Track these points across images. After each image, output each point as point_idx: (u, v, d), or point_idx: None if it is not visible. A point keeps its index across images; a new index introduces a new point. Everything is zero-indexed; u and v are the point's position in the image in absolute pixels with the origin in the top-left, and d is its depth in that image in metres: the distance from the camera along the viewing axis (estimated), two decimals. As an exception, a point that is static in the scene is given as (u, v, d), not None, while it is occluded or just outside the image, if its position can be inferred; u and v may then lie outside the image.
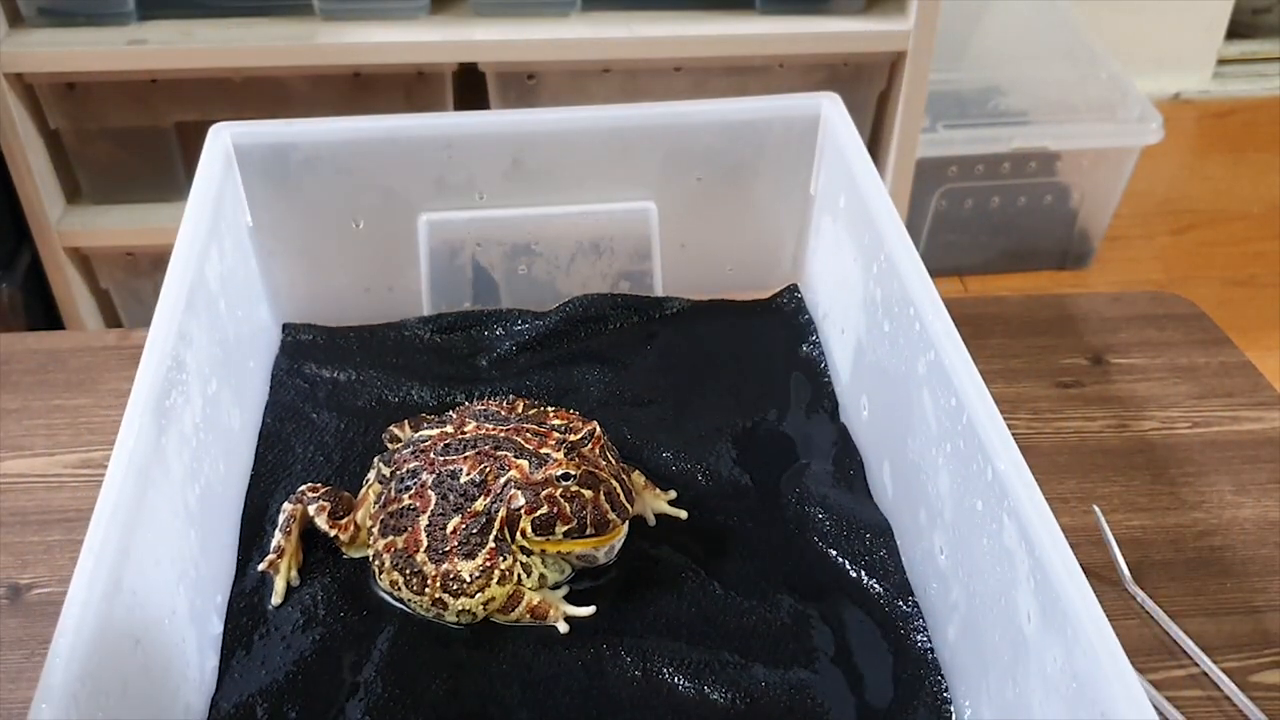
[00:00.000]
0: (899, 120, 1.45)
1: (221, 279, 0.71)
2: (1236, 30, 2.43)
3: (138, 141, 1.42)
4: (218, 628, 0.62)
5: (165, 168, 1.44)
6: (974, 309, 0.90)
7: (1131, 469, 0.76)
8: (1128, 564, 0.69)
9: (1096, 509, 0.72)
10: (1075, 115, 1.88)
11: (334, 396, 0.77)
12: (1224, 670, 0.63)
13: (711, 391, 0.78)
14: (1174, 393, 0.83)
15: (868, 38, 1.39)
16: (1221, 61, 2.44)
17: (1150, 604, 0.67)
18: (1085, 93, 1.91)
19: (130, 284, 1.52)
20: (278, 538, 0.65)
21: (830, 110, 0.80)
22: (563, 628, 0.61)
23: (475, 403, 0.70)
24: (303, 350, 0.80)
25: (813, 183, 0.83)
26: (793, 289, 0.87)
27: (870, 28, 1.38)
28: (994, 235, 1.91)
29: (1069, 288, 1.93)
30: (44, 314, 1.51)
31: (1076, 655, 0.47)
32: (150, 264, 1.49)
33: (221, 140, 0.76)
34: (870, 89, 1.45)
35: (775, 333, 0.83)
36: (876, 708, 0.59)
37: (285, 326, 0.82)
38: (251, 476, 0.71)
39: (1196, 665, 0.64)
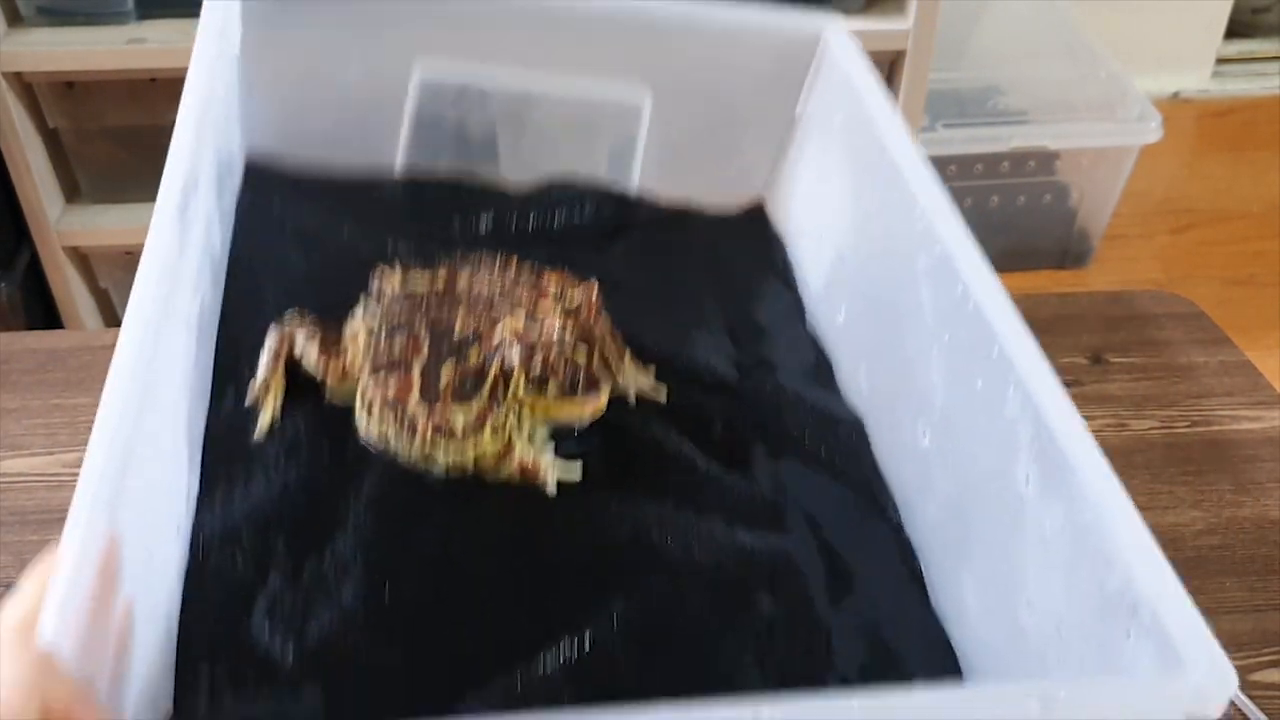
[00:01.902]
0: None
1: (223, 103, 0.70)
2: (1236, 29, 2.43)
3: (137, 141, 1.42)
4: (199, 451, 0.61)
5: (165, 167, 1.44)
6: (974, 308, 0.90)
7: (1131, 469, 0.76)
8: (1127, 563, 0.69)
9: (1096, 508, 0.72)
10: (1074, 114, 1.88)
11: (303, 237, 0.75)
12: (1224, 670, 0.63)
13: (685, 291, 0.78)
14: (1174, 392, 0.83)
15: (867, 37, 1.36)
16: (1220, 61, 2.44)
17: (1150, 603, 0.67)
18: (1084, 92, 1.91)
19: (130, 283, 1.51)
20: (264, 368, 0.63)
21: (831, 31, 0.80)
22: (551, 489, 0.60)
23: (470, 256, 0.69)
24: (269, 186, 0.78)
25: (801, 102, 0.82)
26: (762, 205, 0.86)
27: (869, 27, 1.38)
28: (993, 234, 1.91)
29: (1068, 287, 1.93)
30: (43, 313, 1.51)
31: (1080, 509, 0.47)
32: (149, 263, 1.49)
33: None
34: (870, 88, 1.45)
35: (747, 243, 0.83)
36: (853, 575, 0.60)
37: (250, 162, 0.79)
38: (224, 306, 0.69)
39: (1196, 665, 0.64)
